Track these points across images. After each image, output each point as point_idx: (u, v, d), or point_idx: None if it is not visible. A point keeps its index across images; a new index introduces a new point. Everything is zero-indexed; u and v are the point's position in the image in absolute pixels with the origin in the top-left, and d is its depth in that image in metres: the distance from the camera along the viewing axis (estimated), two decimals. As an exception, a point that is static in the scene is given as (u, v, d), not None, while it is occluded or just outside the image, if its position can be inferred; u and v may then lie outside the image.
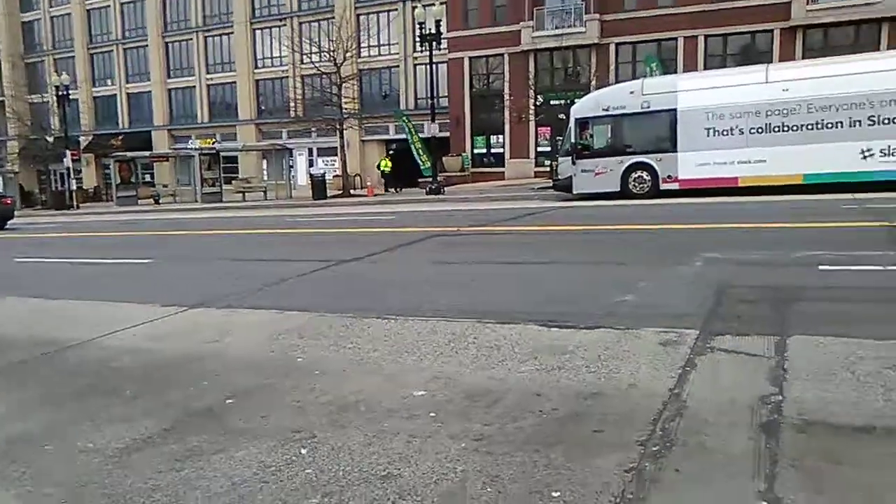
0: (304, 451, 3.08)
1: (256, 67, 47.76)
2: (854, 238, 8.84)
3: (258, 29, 47.37)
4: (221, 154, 37.64)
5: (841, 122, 17.05)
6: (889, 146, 16.64)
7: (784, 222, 11.05)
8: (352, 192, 33.05)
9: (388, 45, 43.23)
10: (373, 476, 2.80)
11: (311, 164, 44.05)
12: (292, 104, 39.40)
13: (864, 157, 16.86)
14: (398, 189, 34.27)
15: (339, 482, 2.76)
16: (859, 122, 16.89)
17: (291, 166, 40.17)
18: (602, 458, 2.83)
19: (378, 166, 35.53)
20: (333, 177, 36.87)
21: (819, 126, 17.27)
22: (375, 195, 30.92)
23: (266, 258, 10.89)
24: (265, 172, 40.61)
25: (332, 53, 31.45)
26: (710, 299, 5.62)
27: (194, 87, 50.18)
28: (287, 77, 44.43)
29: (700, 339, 4.42)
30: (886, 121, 16.63)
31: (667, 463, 2.76)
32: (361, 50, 40.90)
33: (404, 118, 35.51)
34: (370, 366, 4.34)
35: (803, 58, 28.83)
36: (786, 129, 17.61)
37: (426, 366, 4.24)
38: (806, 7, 29.49)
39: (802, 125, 17.45)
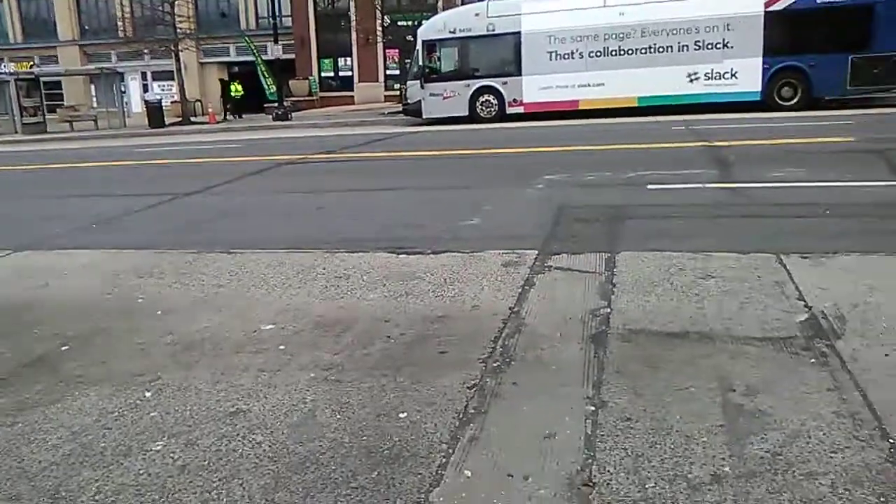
0: (148, 394, 3.01)
1: (75, -19, 43.17)
2: (680, 158, 9.53)
3: (75, -65, 42.60)
4: (42, 79, 34.10)
5: (671, 47, 18.02)
6: (713, 69, 17.84)
7: (619, 144, 11.69)
8: (192, 119, 31.21)
9: (225, -41, 40.39)
10: (221, 413, 2.79)
11: (145, 90, 40.94)
12: (120, 23, 36.17)
13: (691, 81, 18.00)
14: (240, 115, 32.70)
15: (187, 422, 2.73)
16: (686, 46, 17.92)
17: (124, 92, 37.12)
18: (447, 377, 2.97)
19: (228, 91, 33.39)
20: (171, 103, 34.55)
21: (651, 50, 18.18)
22: (218, 122, 29.39)
23: (98, 193, 10.18)
24: (94, 99, 37.34)
25: (161, -33, 29.04)
26: (549, 220, 5.92)
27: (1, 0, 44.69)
28: (111, -7, 40.58)
29: (539, 259, 4.67)
30: (710, 46, 17.75)
31: (506, 377, 2.94)
32: (195, -36, 37.97)
33: (247, 38, 33.62)
34: (216, 302, 4.25)
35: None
36: (621, 52, 18.39)
37: (274, 299, 4.21)
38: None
39: (637, 49, 18.28)
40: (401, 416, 2.67)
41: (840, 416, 2.46)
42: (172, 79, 35.17)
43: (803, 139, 10.67)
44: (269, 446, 2.50)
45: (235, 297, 4.30)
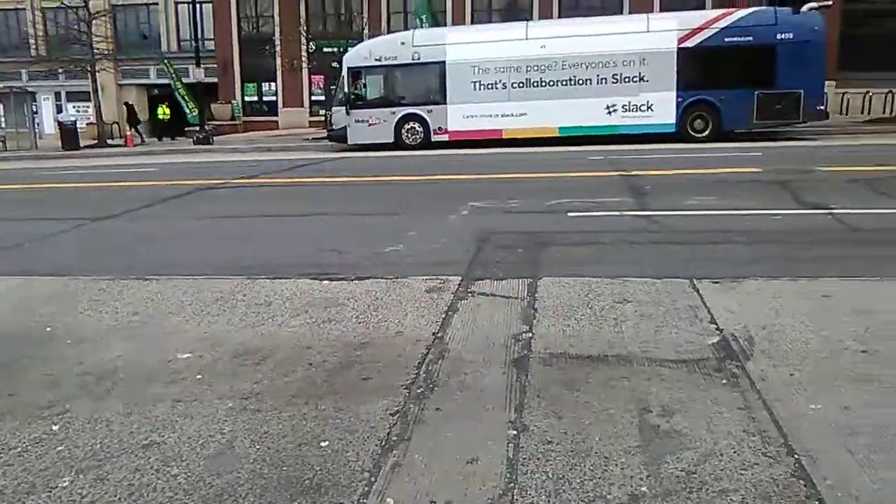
0: (55, 427, 2.86)
1: (-18, -4, 41.41)
2: (599, 187, 9.81)
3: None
4: (-56, 97, 32.41)
5: (590, 80, 18.64)
6: (630, 102, 18.53)
7: (541, 173, 11.95)
8: (109, 141, 30.22)
9: (145, -21, 39.55)
10: (134, 445, 2.68)
11: (59, 110, 39.46)
12: (32, 41, 34.81)
13: (609, 113, 18.64)
14: (173, 137, 31.75)
15: (97, 456, 2.61)
16: (605, 79, 18.58)
17: (35, 112, 35.67)
18: (370, 404, 2.94)
19: (156, 113, 32.21)
20: (87, 124, 33.38)
21: (572, 82, 18.75)
22: (136, 145, 28.57)
23: (5, 217, 9.70)
24: (2, 119, 35.73)
25: (77, -15, 28.13)
26: (473, 246, 5.98)
27: None
28: (24, 9, 39.11)
29: (463, 285, 4.70)
30: (627, 79, 18.46)
31: (429, 403, 2.94)
32: (114, -17, 37.09)
33: (166, 62, 32.87)
34: (131, 330, 4.09)
35: (560, 16, 30.95)
36: (543, 84, 18.89)
37: (192, 327, 4.09)
38: (561, -32, 31.53)
39: (558, 80, 18.82)
40: (322, 444, 2.62)
41: (749, 433, 2.56)
42: (88, 100, 34.01)
43: (714, 169, 11.16)
44: (185, 479, 2.42)
45: (151, 326, 4.16)
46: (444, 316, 4.07)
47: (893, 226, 6.45)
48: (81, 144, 27.89)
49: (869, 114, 25.96)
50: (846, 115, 26.48)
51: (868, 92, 26.53)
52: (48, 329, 4.18)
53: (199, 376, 3.34)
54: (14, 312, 4.57)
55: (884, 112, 25.25)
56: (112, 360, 3.59)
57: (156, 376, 3.36)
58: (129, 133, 30.22)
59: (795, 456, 2.39)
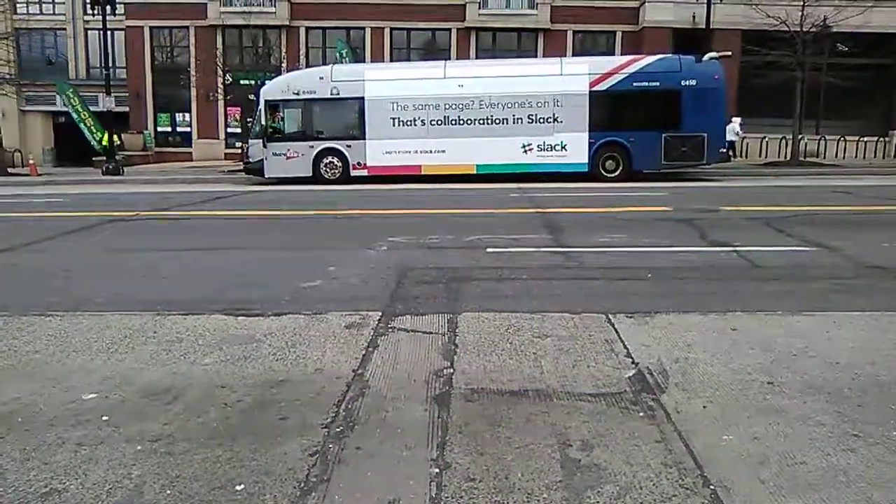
0: (-59, 477, 2.65)
1: None
2: (516, 223, 9.99)
3: None
4: None
5: (507, 119, 19.08)
6: (545, 142, 19.05)
7: (459, 209, 12.08)
8: (10, 170, 28.74)
9: (53, 3, 38.24)
10: (32, 495, 2.50)
11: (-47, 136, 37.30)
12: (-76, 62, 32.91)
13: (525, 151, 19.10)
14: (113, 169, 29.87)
15: (-11, 507, 2.42)
16: (521, 119, 19.06)
17: (-73, 136, 33.59)
18: (287, 444, 2.86)
19: (99, 140, 30.23)
20: (-15, 152, 31.69)
21: (489, 121, 19.14)
22: (40, 174, 27.27)
23: None
24: None
25: (-24, 6, 26.89)
26: (392, 281, 5.95)
27: None
28: (-84, 28, 37.06)
29: (382, 321, 4.66)
30: (542, 120, 19.00)
31: (349, 442, 2.88)
32: (18, 5, 35.66)
33: (69, 91, 31.55)
34: (30, 370, 3.85)
35: (477, 57, 31.70)
36: (461, 122, 19.20)
37: (97, 366, 3.88)
38: (478, 11, 32.39)
39: (475, 119, 19.18)
40: (237, 487, 2.52)
41: (667, 465, 2.61)
42: (-13, 126, 32.32)
43: (626, 207, 11.56)
44: (87, 529, 2.27)
45: (53, 365, 3.92)
46: (364, 352, 4.01)
47: (791, 262, 6.81)
48: (-21, 172, 26.42)
49: (766, 157, 27.61)
50: (745, 157, 28.07)
51: (765, 137, 28.26)
52: (-64, 369, 3.89)
53: (104, 417, 3.17)
54: None
55: (779, 155, 26.90)
56: (7, 403, 3.37)
57: (58, 419, 3.16)
58: (31, 162, 28.84)
59: (711, 487, 2.46)
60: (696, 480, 2.50)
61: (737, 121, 25.50)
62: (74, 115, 31.18)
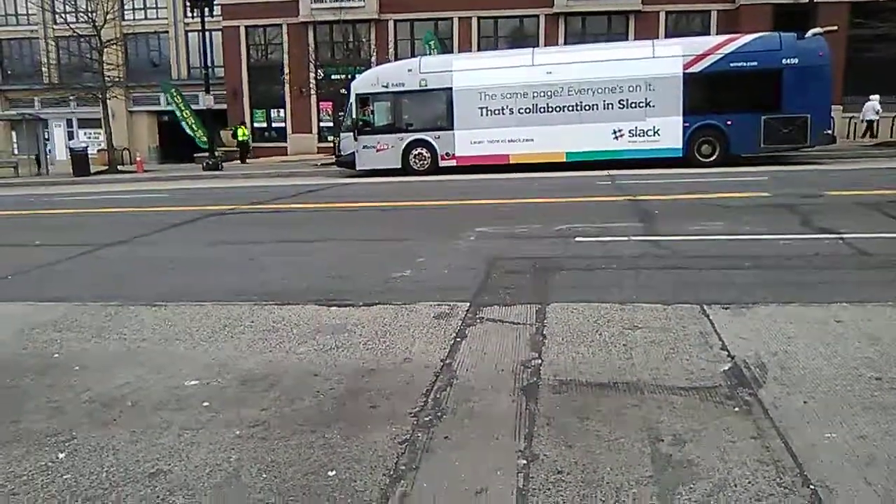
0: (61, 455, 2.84)
1: (-2, 24, 42.07)
2: (606, 212, 9.81)
3: (-2, -18, 41.67)
4: (-43, 124, 32.85)
5: (596, 105, 18.73)
6: (636, 127, 18.58)
7: (548, 198, 11.96)
8: (119, 167, 30.50)
9: (156, 8, 40.12)
10: (140, 474, 2.65)
11: (70, 137, 39.87)
12: (45, 69, 35.27)
13: (616, 138, 18.70)
14: (244, 161, 31.26)
15: (103, 485, 2.59)
16: (611, 105, 18.66)
17: (47, 139, 36.05)
18: (377, 432, 2.92)
19: (234, 135, 31.78)
20: (98, 151, 33.73)
21: (578, 108, 18.84)
22: (146, 171, 28.79)
23: (13, 243, 9.76)
24: (15, 146, 36.12)
25: (90, 14, 28.49)
26: (481, 272, 5.96)
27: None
28: (37, 38, 39.70)
29: (471, 311, 4.68)
30: (633, 105, 18.54)
31: (437, 432, 2.91)
32: (125, 12, 37.60)
33: (172, 91, 33.14)
34: (138, 357, 4.08)
35: (565, 43, 31.24)
36: (550, 109, 18.99)
37: (199, 353, 4.07)
38: (571, -4, 31.89)
39: (564, 106, 18.92)
40: (329, 474, 2.59)
41: (763, 463, 2.51)
42: (99, 126, 34.40)
43: (722, 193, 11.14)
44: (191, 509, 2.40)
45: (158, 352, 4.15)
46: (452, 342, 4.04)
47: (904, 250, 6.40)
48: (92, 170, 28.12)
49: (876, 137, 25.96)
50: (853, 138, 26.50)
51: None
52: (55, 356, 4.18)
53: (206, 403, 3.32)
54: (20, 338, 4.57)
55: (890, 136, 25.23)
56: (118, 388, 3.58)
57: (163, 404, 3.34)
58: (138, 159, 30.46)
59: (811, 487, 2.35)
60: (795, 479, 2.40)
61: (875, 98, 23.97)
62: (177, 113, 32.69)
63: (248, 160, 29.41)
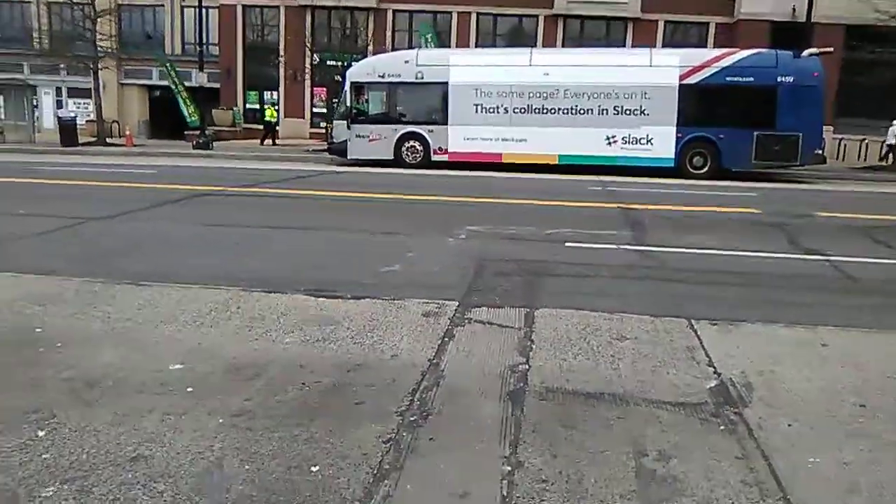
0: (41, 434, 2.81)
1: (-11, -14, 41.34)
2: (597, 218, 9.83)
3: (-8, -58, 40.97)
4: (-61, 86, 32.20)
5: (592, 110, 18.73)
6: (630, 134, 18.61)
7: (540, 200, 11.95)
8: (108, 140, 30.09)
9: (154, -21, 39.61)
10: (121, 458, 2.62)
11: (59, 106, 39.35)
12: (36, 35, 34.73)
13: (609, 143, 18.71)
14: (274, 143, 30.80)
15: (83, 466, 2.55)
16: (606, 110, 18.67)
17: (35, 106, 35.53)
18: (362, 429, 2.90)
19: (264, 115, 31.16)
20: (87, 122, 33.26)
21: (573, 111, 18.83)
22: (135, 145, 28.47)
23: (1, 211, 9.61)
24: (2, 110, 35.61)
25: (84, -19, 28.08)
26: (470, 271, 5.95)
27: None
28: (29, 2, 39.12)
29: (459, 311, 4.67)
30: (628, 112, 18.56)
31: (423, 432, 2.89)
32: (122, -18, 37.05)
33: (168, 64, 32.81)
34: (122, 337, 4.03)
35: (563, 45, 31.23)
36: (545, 111, 18.97)
37: (184, 337, 4.03)
38: (566, -2, 31.89)
39: (559, 109, 18.91)
40: (313, 469, 2.58)
41: (747, 484, 2.52)
42: (89, 97, 33.95)
43: (712, 207, 11.21)
44: (171, 496, 2.37)
45: (143, 333, 4.10)
46: (440, 341, 4.03)
47: (891, 276, 6.46)
48: (80, 141, 27.77)
49: (865, 160, 26.22)
50: (843, 160, 26.74)
51: (865, 139, 26.82)
52: (37, 330, 4.12)
53: (189, 389, 3.29)
54: (2, 311, 4.50)
55: (879, 159, 25.50)
56: (101, 367, 3.54)
57: (146, 386, 3.30)
58: (127, 133, 30.13)
59: (794, 511, 2.36)
60: (778, 503, 2.41)
61: None
62: (172, 87, 32.32)
63: (265, 142, 28.94)
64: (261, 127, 31.97)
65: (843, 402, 3.31)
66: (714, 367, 3.70)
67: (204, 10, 27.52)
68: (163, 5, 39.38)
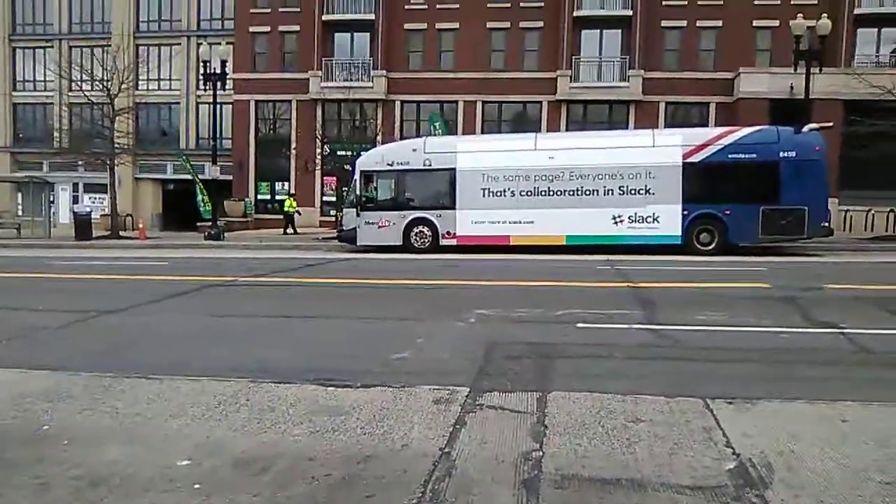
0: (43, 536, 2.74)
1: (15, 89, 43.05)
2: (607, 298, 9.80)
3: (19, 48, 42.91)
4: (-38, 185, 33.17)
5: (597, 190, 19.00)
6: (636, 213, 18.80)
7: (549, 281, 11.96)
8: (121, 233, 30.61)
9: (170, 80, 41.18)
10: (125, 561, 2.55)
11: (75, 201, 40.28)
12: (56, 134, 35.88)
13: (616, 223, 18.88)
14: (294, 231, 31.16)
15: (84, 570, 2.48)
16: (612, 191, 18.94)
17: (52, 202, 36.36)
18: (373, 524, 2.82)
19: (284, 206, 31.63)
20: (101, 215, 33.96)
21: (579, 192, 19.11)
22: (148, 238, 28.91)
23: (6, 306, 9.67)
24: (20, 207, 36.46)
25: (105, 83, 29.18)
26: (480, 356, 5.90)
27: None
28: (52, 104, 40.62)
29: (470, 397, 4.61)
30: (633, 191, 18.81)
31: (435, 525, 2.81)
32: (140, 82, 38.54)
33: (185, 158, 33.69)
34: (130, 433, 3.99)
35: (567, 129, 31.98)
36: (551, 193, 19.25)
37: (192, 431, 3.99)
38: (569, 84, 32.81)
39: (565, 190, 19.18)
40: (323, 567, 2.50)
41: (773, 573, 2.42)
42: (105, 191, 34.80)
43: (721, 283, 11.16)
44: None
45: (151, 428, 4.06)
46: (451, 429, 3.96)
47: (906, 348, 6.36)
48: (94, 235, 28.23)
49: (872, 231, 26.26)
50: (849, 231, 26.80)
51: (870, 210, 26.95)
52: (45, 427, 4.09)
53: (196, 486, 3.23)
54: (9, 408, 4.47)
55: (886, 230, 25.53)
56: (108, 464, 3.48)
57: (154, 483, 3.25)
58: (140, 226, 30.64)
59: None
60: (808, 592, 2.31)
61: None
62: (192, 179, 33.04)
63: (287, 232, 29.24)
64: (273, 216, 32.52)
65: (868, 479, 3.20)
66: (732, 448, 3.61)
67: (219, 107, 28.42)
68: (178, 102, 40.83)
